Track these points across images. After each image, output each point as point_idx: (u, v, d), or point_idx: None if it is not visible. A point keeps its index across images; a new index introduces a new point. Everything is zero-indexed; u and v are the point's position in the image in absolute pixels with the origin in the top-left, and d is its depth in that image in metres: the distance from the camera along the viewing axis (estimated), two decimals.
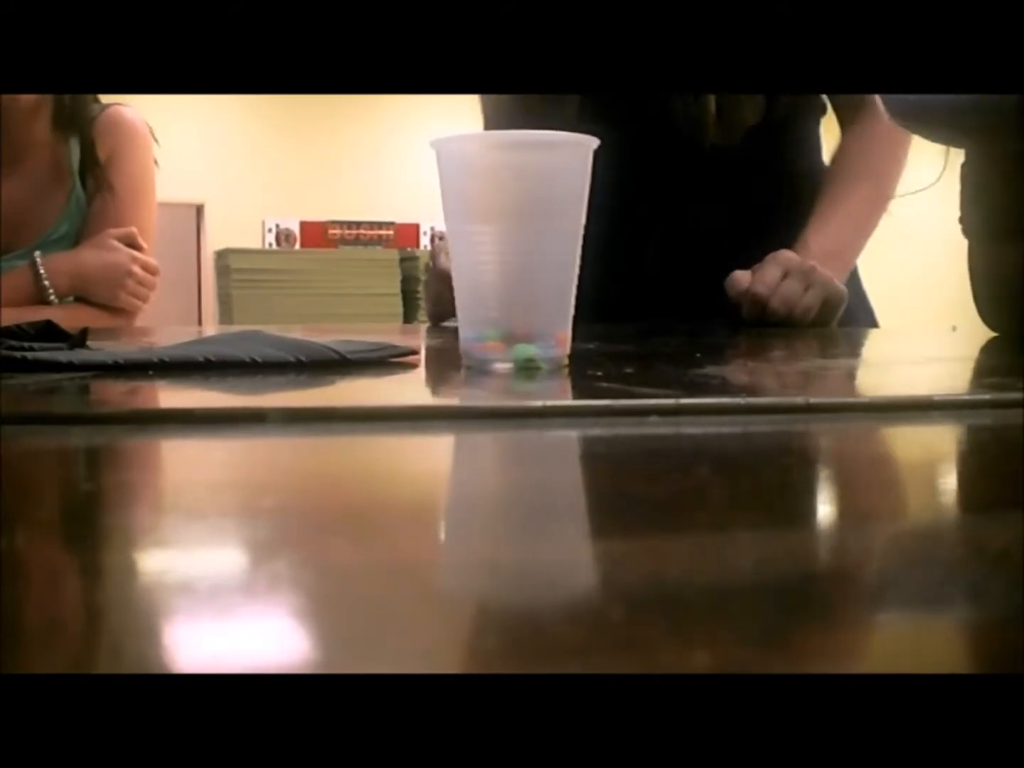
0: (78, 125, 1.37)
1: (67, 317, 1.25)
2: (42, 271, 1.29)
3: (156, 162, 1.43)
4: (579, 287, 0.61)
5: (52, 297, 1.30)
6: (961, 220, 0.93)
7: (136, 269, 1.33)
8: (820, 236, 1.15)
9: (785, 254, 1.11)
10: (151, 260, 1.36)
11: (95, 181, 1.37)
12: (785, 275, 1.09)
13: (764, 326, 1.10)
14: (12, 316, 1.18)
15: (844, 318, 1.17)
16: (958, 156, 0.95)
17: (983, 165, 0.87)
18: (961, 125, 0.81)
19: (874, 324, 1.30)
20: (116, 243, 1.32)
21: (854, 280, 1.24)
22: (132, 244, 1.34)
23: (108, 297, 1.33)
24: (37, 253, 1.30)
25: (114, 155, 1.38)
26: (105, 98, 1.43)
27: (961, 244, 0.96)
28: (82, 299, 1.33)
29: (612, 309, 1.21)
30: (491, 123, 1.28)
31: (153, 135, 1.43)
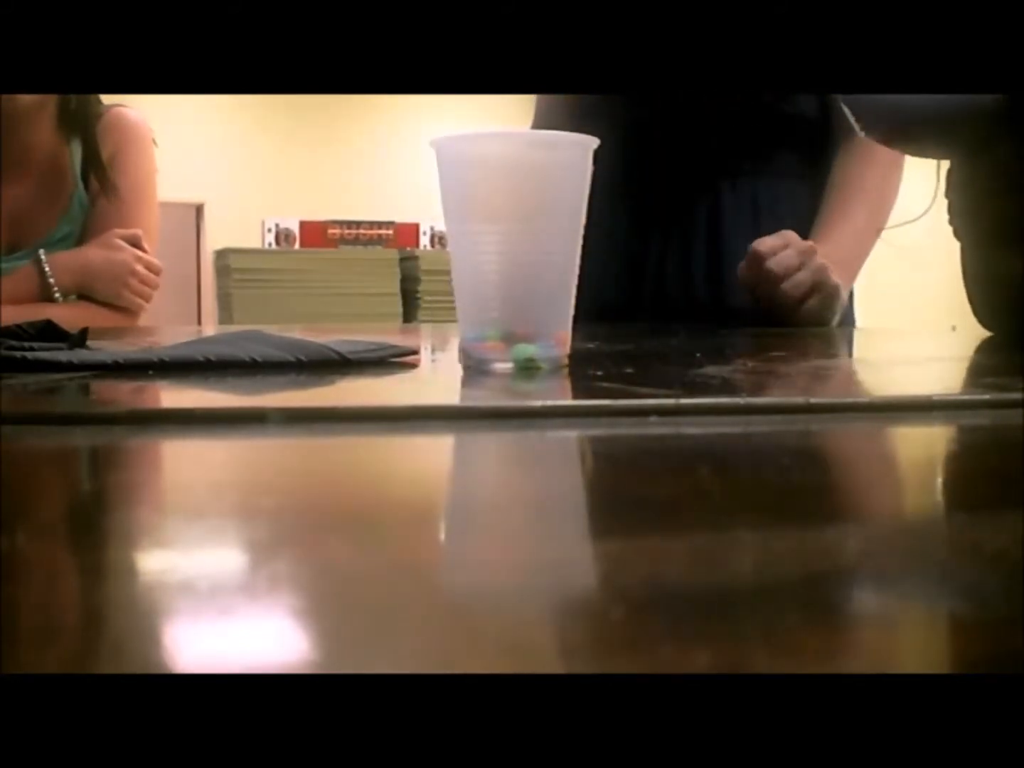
0: (82, 126, 1.37)
1: (71, 315, 1.27)
2: (47, 268, 1.30)
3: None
4: (580, 287, 0.61)
5: (56, 295, 1.30)
6: (950, 222, 0.93)
7: (140, 268, 1.34)
8: (826, 245, 1.17)
9: (790, 232, 1.13)
10: (154, 260, 1.36)
11: (98, 182, 1.37)
12: (786, 247, 1.12)
13: (763, 322, 1.11)
14: (16, 314, 1.18)
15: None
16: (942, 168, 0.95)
17: (967, 174, 0.86)
18: (940, 138, 0.81)
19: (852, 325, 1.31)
20: (121, 243, 1.33)
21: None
22: (136, 245, 1.35)
23: (112, 295, 1.34)
24: (41, 251, 1.31)
25: (117, 156, 1.39)
26: (106, 99, 1.43)
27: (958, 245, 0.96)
28: (86, 297, 1.34)
29: (613, 309, 1.21)
30: (539, 123, 1.30)
31: (153, 138, 1.44)
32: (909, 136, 0.84)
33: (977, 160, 0.83)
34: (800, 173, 1.25)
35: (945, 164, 0.91)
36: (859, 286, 1.30)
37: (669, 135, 1.21)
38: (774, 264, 1.10)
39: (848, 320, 1.29)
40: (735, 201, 1.23)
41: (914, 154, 0.90)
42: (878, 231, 1.22)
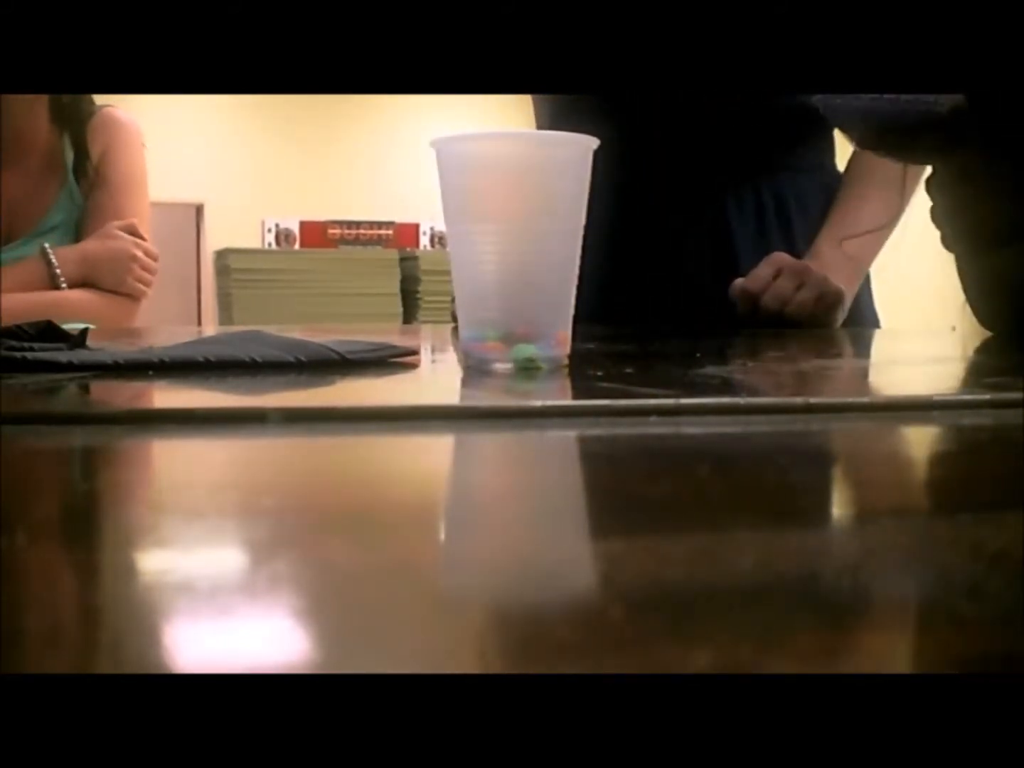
0: (73, 120, 1.41)
1: (80, 299, 1.34)
2: (53, 259, 1.34)
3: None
4: (579, 287, 0.61)
5: (63, 285, 1.35)
6: (937, 227, 0.92)
7: (139, 254, 1.38)
8: (833, 242, 1.16)
9: (779, 255, 1.13)
10: (151, 247, 1.41)
11: (89, 178, 1.41)
12: (778, 274, 1.11)
13: (759, 325, 1.11)
14: (27, 299, 1.23)
15: (851, 319, 1.18)
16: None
17: (948, 181, 0.85)
18: (916, 142, 0.81)
19: (877, 326, 1.31)
20: (119, 232, 1.38)
21: (864, 283, 1.25)
22: (134, 234, 1.40)
23: (115, 282, 1.39)
24: (47, 244, 1.35)
25: (107, 152, 1.44)
26: (99, 100, 1.47)
27: None
28: (90, 286, 1.38)
29: (613, 310, 1.21)
30: (540, 123, 1.30)
31: (143, 141, 1.49)
32: (884, 141, 0.83)
33: (952, 164, 0.82)
34: (817, 167, 1.24)
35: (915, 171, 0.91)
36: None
37: (671, 134, 1.21)
38: (769, 300, 1.10)
39: (870, 320, 1.29)
40: (762, 199, 1.21)
41: (892, 158, 0.90)
42: (891, 226, 1.21)
